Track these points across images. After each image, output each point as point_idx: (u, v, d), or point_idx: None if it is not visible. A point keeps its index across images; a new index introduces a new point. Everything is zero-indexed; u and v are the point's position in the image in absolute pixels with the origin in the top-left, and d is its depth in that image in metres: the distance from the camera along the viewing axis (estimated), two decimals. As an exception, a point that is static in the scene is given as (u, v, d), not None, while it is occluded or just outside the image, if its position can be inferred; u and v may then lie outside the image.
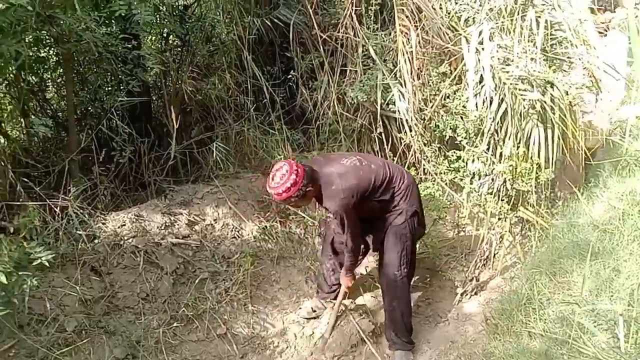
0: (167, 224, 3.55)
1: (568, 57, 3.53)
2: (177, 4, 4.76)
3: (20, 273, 2.36)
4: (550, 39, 3.54)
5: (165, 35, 4.83)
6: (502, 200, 3.49)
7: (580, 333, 2.20)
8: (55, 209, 3.17)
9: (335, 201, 2.84)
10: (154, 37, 4.90)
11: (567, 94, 3.34)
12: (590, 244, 2.98)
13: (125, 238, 3.30)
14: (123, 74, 3.78)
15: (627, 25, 3.75)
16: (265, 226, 3.90)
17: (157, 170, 4.09)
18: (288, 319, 3.48)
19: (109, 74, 4.04)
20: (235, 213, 3.88)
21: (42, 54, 4.22)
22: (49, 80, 4.58)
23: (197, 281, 3.37)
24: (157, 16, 4.17)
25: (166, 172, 4.10)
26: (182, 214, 3.69)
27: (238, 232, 3.81)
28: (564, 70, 3.59)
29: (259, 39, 4.79)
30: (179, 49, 4.83)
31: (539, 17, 3.47)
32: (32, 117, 3.94)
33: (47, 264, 2.38)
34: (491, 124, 3.49)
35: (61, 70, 4.33)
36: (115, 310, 3.04)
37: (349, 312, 3.37)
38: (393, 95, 3.66)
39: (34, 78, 4.25)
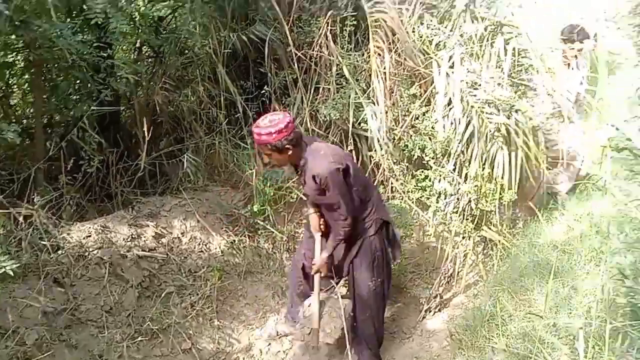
0: (133, 236, 3.50)
1: (533, 84, 3.67)
2: (152, 14, 4.76)
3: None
4: (517, 65, 3.68)
5: (138, 45, 4.81)
6: (466, 219, 3.58)
7: (542, 348, 2.27)
8: (18, 218, 3.09)
9: (324, 164, 2.77)
10: (125, 47, 4.87)
11: (531, 119, 3.47)
12: (550, 263, 3.09)
13: (90, 249, 3.24)
14: (95, 82, 3.73)
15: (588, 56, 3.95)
16: (234, 240, 3.89)
17: (124, 181, 4.03)
18: (254, 335, 3.47)
19: (79, 81, 3.97)
20: (203, 227, 3.86)
21: (9, 59, 4.15)
22: (14, 86, 4.48)
23: (162, 295, 3.33)
24: (132, 26, 4.15)
25: (134, 184, 4.05)
26: (148, 226, 3.65)
27: (205, 245, 3.79)
28: (528, 97, 3.74)
29: (233, 54, 4.81)
30: (152, 60, 4.81)
31: (507, 44, 3.62)
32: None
33: (11, 273, 2.31)
34: (458, 146, 3.59)
35: (27, 77, 4.25)
36: (77, 323, 2.97)
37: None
38: (365, 114, 3.72)
39: (-1, 83, 4.17)
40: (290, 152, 2.78)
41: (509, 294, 3.01)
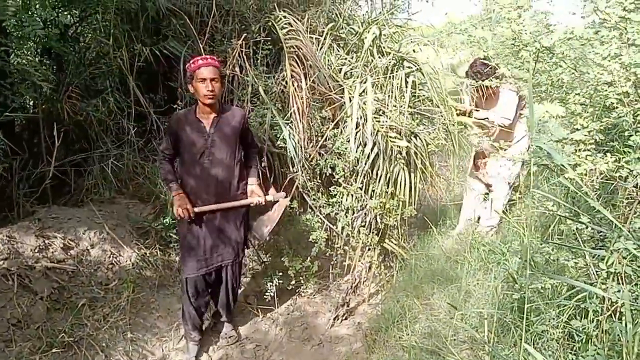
0: (41, 247, 3.35)
1: (428, 114, 4.16)
2: (57, 20, 4.61)
3: None
4: (416, 96, 4.15)
5: (40, 51, 4.62)
6: (372, 232, 3.92)
7: (446, 343, 2.62)
8: None
9: (242, 111, 3.27)
10: (27, 53, 4.64)
11: (428, 145, 3.93)
12: (445, 272, 3.52)
13: (-4, 260, 3.06)
14: (3, 88, 3.56)
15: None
16: (145, 253, 3.86)
17: (27, 191, 3.84)
18: (167, 347, 3.47)
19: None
20: (112, 239, 3.78)
21: None
22: None
23: (73, 307, 3.23)
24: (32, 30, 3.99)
25: (37, 193, 3.86)
26: (56, 237, 3.51)
27: (116, 258, 3.72)
28: (424, 124, 4.22)
29: (142, 67, 4.79)
30: (55, 67, 4.63)
31: (408, 77, 4.07)
32: None
33: None
34: (365, 165, 3.94)
35: None
36: (-19, 337, 2.79)
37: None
38: (283, 133, 3.94)
39: None
40: (222, 83, 3.09)
41: (412, 299, 3.37)
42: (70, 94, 4.22)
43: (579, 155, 2.11)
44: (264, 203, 3.33)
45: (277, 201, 3.46)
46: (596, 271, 2.17)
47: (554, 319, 2.36)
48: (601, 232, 2.25)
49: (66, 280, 3.33)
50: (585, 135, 2.19)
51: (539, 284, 2.42)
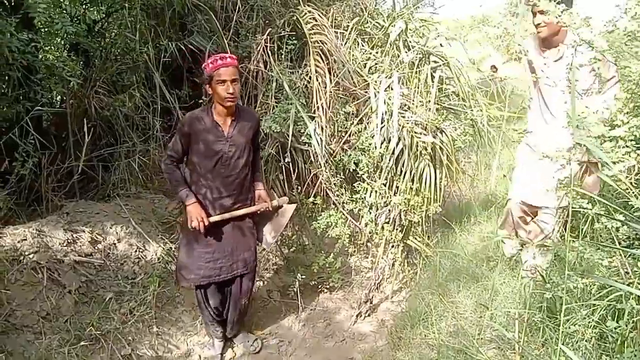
0: (69, 241, 3.41)
1: (455, 109, 4.10)
2: (84, 16, 4.67)
3: None
4: (442, 91, 4.09)
5: (67, 47, 4.69)
6: (396, 229, 3.89)
7: (474, 342, 2.58)
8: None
9: (257, 115, 3.21)
10: (55, 49, 4.73)
11: (454, 140, 3.87)
12: (470, 270, 3.47)
13: (26, 253, 3.12)
14: (32, 83, 3.61)
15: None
16: (170, 247, 3.90)
17: (55, 186, 3.90)
18: (192, 341, 3.49)
19: (13, 81, 3.81)
20: (138, 233, 3.83)
21: None
22: None
23: (100, 301, 3.27)
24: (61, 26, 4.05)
25: (65, 188, 3.92)
26: (84, 231, 3.56)
27: (142, 252, 3.76)
28: (450, 119, 4.16)
29: (167, 62, 4.83)
30: (83, 63, 4.70)
31: (434, 72, 4.01)
32: None
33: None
34: (389, 161, 3.90)
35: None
36: (12, 329, 2.85)
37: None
38: (308, 129, 3.92)
39: None
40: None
41: (437, 297, 3.33)
42: (97, 89, 4.29)
43: (616, 152, 2.05)
44: (270, 209, 3.22)
45: (281, 206, 3.33)
46: (633, 270, 2.11)
47: (585, 318, 2.31)
48: (637, 231, 2.19)
49: (94, 274, 3.38)
50: (626, 132, 2.12)
51: (570, 283, 2.37)
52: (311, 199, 4.09)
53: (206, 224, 2.88)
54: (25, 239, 3.19)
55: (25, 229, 3.26)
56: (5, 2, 3.93)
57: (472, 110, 3.95)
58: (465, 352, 2.55)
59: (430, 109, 3.91)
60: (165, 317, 3.51)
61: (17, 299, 2.95)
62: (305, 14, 4.62)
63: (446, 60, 4.12)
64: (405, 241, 4.00)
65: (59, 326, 3.01)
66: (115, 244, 3.68)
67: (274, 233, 3.28)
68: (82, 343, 3.00)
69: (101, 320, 3.19)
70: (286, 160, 4.21)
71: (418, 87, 4.06)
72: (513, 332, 2.57)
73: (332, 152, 4.14)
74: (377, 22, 4.95)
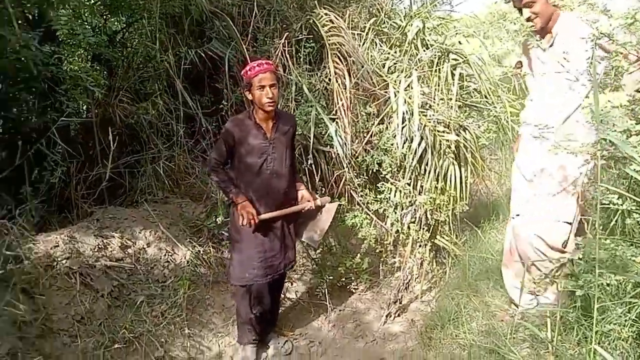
0: (100, 247, 3.46)
1: (477, 106, 4.09)
2: (105, 27, 4.76)
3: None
4: (464, 88, 4.08)
5: (90, 57, 4.77)
6: (422, 228, 3.88)
7: (506, 342, 2.57)
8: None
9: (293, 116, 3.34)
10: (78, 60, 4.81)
11: (478, 138, 3.86)
12: (500, 269, 3.44)
13: (59, 259, 3.17)
14: (57, 94, 3.69)
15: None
16: (199, 251, 3.94)
17: (84, 193, 3.97)
18: (223, 343, 3.52)
19: (39, 93, 3.89)
20: (167, 237, 3.87)
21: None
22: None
23: (132, 304, 3.32)
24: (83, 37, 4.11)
25: (94, 195, 3.99)
26: (114, 236, 3.61)
27: (171, 256, 3.80)
28: (472, 117, 4.15)
29: (187, 69, 4.89)
30: (106, 72, 4.77)
31: (454, 69, 4.01)
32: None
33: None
34: (413, 160, 3.90)
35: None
36: (49, 332, 2.89)
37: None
38: (328, 130, 3.94)
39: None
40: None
41: (467, 296, 3.32)
42: (121, 97, 4.36)
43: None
44: (314, 208, 3.27)
45: (324, 206, 3.37)
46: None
47: (621, 317, 2.28)
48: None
49: (125, 278, 3.43)
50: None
51: (603, 280, 2.34)
52: (336, 200, 4.10)
53: (256, 221, 2.96)
54: (58, 245, 3.25)
55: (57, 236, 3.32)
56: (29, 15, 4.01)
57: (495, 106, 3.94)
58: (497, 352, 2.54)
59: (452, 106, 3.91)
60: (196, 319, 3.55)
61: (52, 303, 3.00)
62: (322, 16, 4.65)
63: (466, 57, 4.11)
64: (433, 240, 4.00)
65: (94, 329, 3.06)
66: (144, 248, 3.73)
67: (319, 231, 3.33)
68: (116, 345, 3.05)
69: (134, 323, 3.23)
70: (309, 163, 4.24)
71: (439, 85, 4.06)
72: (546, 331, 2.55)
73: (354, 153, 4.16)
74: (394, 22, 4.96)
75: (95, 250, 3.42)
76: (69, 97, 3.97)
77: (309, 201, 3.21)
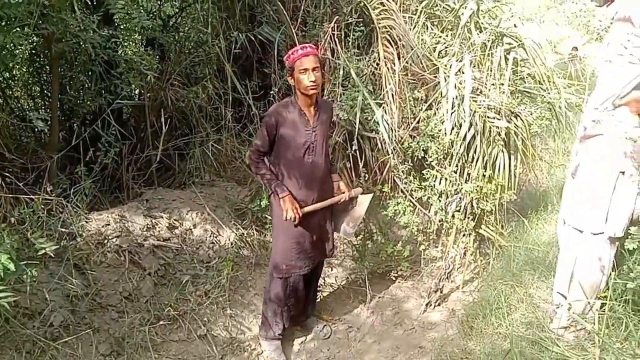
0: (148, 226, 3.60)
1: (531, 92, 3.91)
2: (160, 11, 4.87)
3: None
4: (517, 73, 3.92)
5: (145, 41, 4.91)
6: (467, 217, 3.78)
7: (549, 334, 2.48)
8: (40, 205, 3.16)
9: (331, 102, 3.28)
10: (133, 44, 4.97)
11: (530, 125, 3.70)
12: (546, 260, 3.32)
13: (110, 237, 3.33)
14: (112, 77, 3.83)
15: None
16: (242, 233, 4.02)
17: (135, 174, 4.13)
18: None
19: (95, 76, 4.05)
20: (213, 219, 3.97)
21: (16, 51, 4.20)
22: (14, 78, 4.51)
23: (178, 283, 3.44)
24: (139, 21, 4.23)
25: (144, 176, 4.14)
26: (162, 217, 3.75)
27: (216, 237, 3.90)
28: (525, 103, 3.98)
29: (237, 53, 4.95)
30: (159, 56, 4.90)
31: (508, 54, 3.85)
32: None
33: (52, 254, 2.40)
34: (460, 147, 3.79)
35: (32, 69, 4.33)
36: (98, 307, 3.06)
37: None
38: (374, 116, 3.89)
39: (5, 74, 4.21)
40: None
41: (511, 287, 3.22)
42: (172, 81, 4.47)
43: None
44: (348, 199, 3.23)
45: (356, 197, 3.31)
46: None
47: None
48: None
49: (171, 258, 3.55)
50: None
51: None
52: (379, 187, 4.07)
53: (300, 215, 2.94)
54: (109, 224, 3.40)
55: (109, 215, 3.47)
56: (88, 1, 4.16)
57: (549, 93, 3.76)
58: (540, 344, 2.46)
59: (504, 92, 3.76)
60: (237, 300, 3.64)
61: (102, 280, 3.16)
62: (373, -1, 4.56)
63: (521, 41, 3.93)
64: (477, 230, 3.89)
65: (140, 306, 3.20)
66: (191, 229, 3.84)
67: (352, 223, 3.29)
68: (161, 322, 3.18)
69: (178, 302, 3.35)
70: (353, 149, 4.21)
71: (491, 70, 3.91)
72: (593, 324, 2.45)
73: (400, 139, 4.09)
74: (447, 5, 4.80)
75: (144, 229, 3.56)
76: (123, 81, 4.10)
77: (344, 193, 3.19)
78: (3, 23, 3.04)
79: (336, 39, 4.54)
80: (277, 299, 3.20)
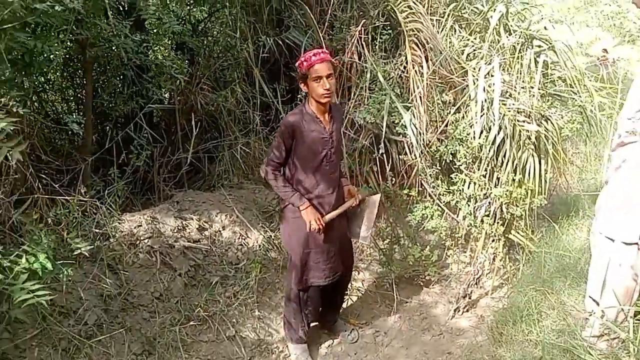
0: (179, 228, 3.66)
1: (561, 95, 3.86)
2: (189, 16, 4.96)
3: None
4: (547, 77, 3.87)
5: (175, 46, 5.00)
6: (496, 222, 3.75)
7: (581, 342, 2.44)
8: (75, 206, 3.24)
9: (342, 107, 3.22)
10: (163, 48, 5.05)
11: (561, 129, 3.65)
12: (578, 267, 3.27)
13: (142, 238, 3.39)
14: (144, 81, 3.91)
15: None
16: (270, 236, 4.05)
17: (165, 177, 4.20)
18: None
19: (127, 80, 4.15)
20: (241, 222, 4.01)
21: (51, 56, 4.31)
22: (49, 82, 4.62)
23: (207, 284, 3.49)
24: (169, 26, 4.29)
25: (175, 179, 4.21)
26: (192, 219, 3.80)
27: (244, 240, 3.94)
28: (556, 107, 3.92)
29: (265, 58, 5.00)
30: (189, 61, 4.98)
31: (538, 56, 3.80)
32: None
33: (86, 254, 2.47)
34: (489, 151, 3.75)
35: (65, 73, 4.44)
36: (131, 307, 3.12)
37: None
38: (403, 119, 3.88)
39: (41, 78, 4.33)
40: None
41: (541, 294, 3.18)
42: (202, 85, 4.54)
43: None
44: (357, 203, 3.21)
45: (364, 200, 3.26)
46: None
47: None
48: None
49: (201, 259, 3.60)
50: None
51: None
52: (405, 191, 4.06)
53: (323, 225, 2.94)
54: (141, 225, 3.47)
55: (141, 216, 3.54)
56: (120, 7, 4.26)
57: (580, 96, 3.70)
58: (572, 352, 2.42)
59: (534, 95, 3.72)
60: (266, 302, 3.66)
61: (134, 280, 3.23)
62: (400, 2, 4.55)
63: (551, 43, 3.88)
64: (507, 235, 3.85)
65: (171, 306, 3.25)
66: (220, 231, 3.89)
67: (366, 227, 3.26)
68: (191, 323, 3.23)
69: (208, 303, 3.39)
70: (380, 152, 4.20)
71: (520, 73, 3.87)
72: (627, 332, 2.40)
73: (427, 142, 4.07)
74: (475, 7, 4.77)
75: (175, 231, 3.62)
76: (154, 85, 4.19)
77: (353, 197, 3.17)
78: (39, 30, 3.13)
79: (363, 43, 4.56)
80: (293, 309, 3.22)
